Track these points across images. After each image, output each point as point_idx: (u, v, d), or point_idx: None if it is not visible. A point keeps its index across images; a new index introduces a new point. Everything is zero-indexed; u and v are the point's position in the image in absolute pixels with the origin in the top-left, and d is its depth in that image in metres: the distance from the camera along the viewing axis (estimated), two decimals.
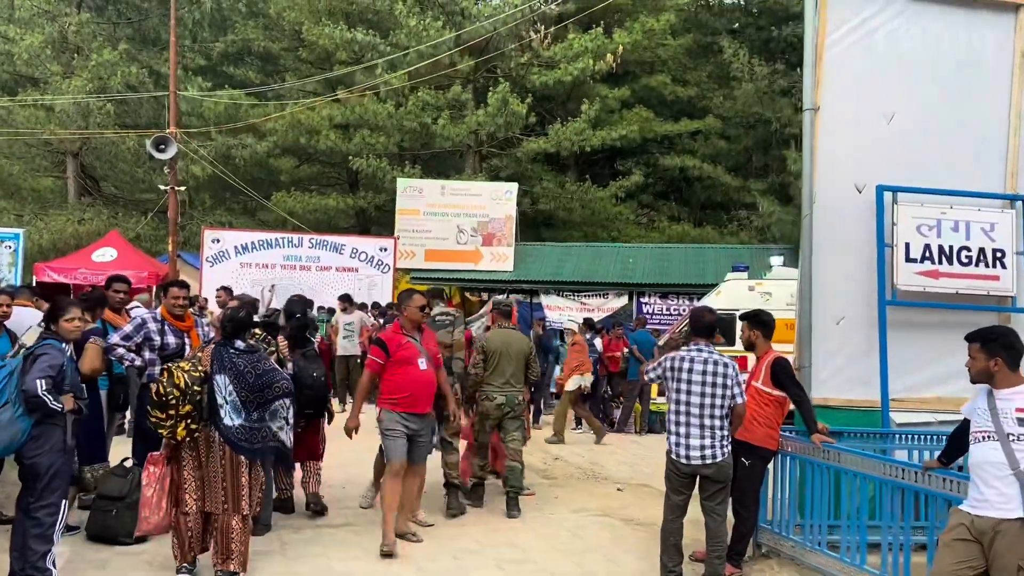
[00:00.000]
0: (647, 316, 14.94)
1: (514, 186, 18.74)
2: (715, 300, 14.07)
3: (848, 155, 5.90)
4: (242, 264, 17.20)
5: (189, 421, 4.53)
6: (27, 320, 5.41)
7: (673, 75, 24.20)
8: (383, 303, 15.92)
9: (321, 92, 22.68)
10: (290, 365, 6.01)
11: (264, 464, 5.06)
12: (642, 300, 17.00)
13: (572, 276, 17.54)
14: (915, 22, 5.91)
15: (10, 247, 15.68)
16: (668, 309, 16.89)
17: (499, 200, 18.47)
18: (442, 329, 6.38)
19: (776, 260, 15.93)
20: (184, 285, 6.16)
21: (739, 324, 6.85)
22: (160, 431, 4.54)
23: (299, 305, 6.53)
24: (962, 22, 5.88)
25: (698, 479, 4.81)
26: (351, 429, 5.40)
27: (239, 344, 4.73)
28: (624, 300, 17.19)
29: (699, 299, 16.82)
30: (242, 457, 4.69)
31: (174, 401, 4.45)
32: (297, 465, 6.23)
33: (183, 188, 17.15)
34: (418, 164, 20.99)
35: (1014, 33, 5.83)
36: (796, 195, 19.17)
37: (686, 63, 25.42)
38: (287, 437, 4.91)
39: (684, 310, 16.91)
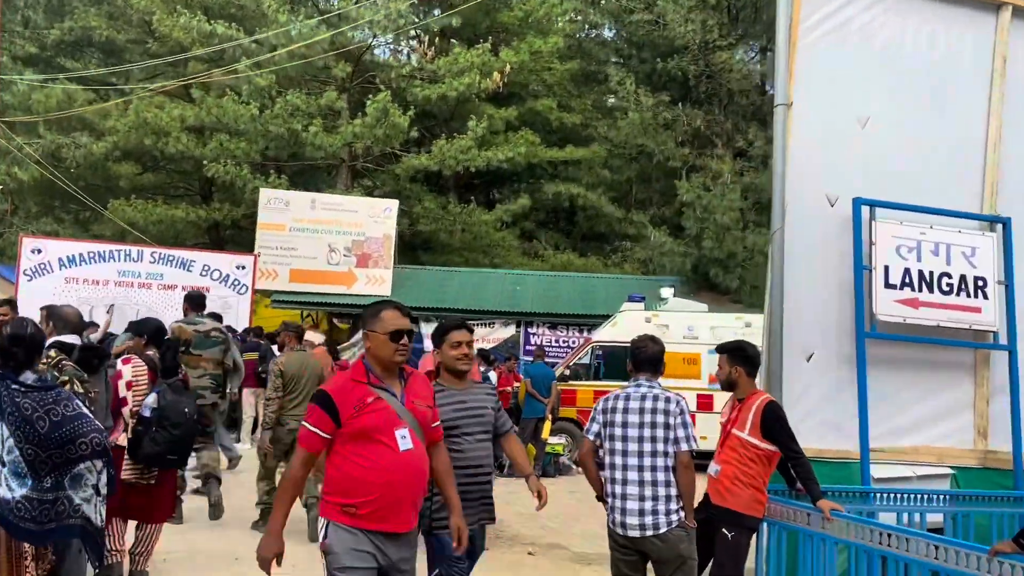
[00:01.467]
0: (537, 347, 14.00)
1: (394, 203, 17.42)
2: (611, 331, 13.35)
3: (820, 161, 5.14)
4: (67, 279, 14.80)
5: None
6: None
7: (559, 100, 23.78)
8: (239, 328, 14.07)
9: (172, 91, 20.45)
10: (150, 397, 4.81)
11: (61, 551, 3.51)
12: (530, 330, 16.07)
13: (455, 303, 16.37)
14: (891, 16, 5.26)
15: None
16: (558, 340, 16.05)
17: (377, 218, 17.06)
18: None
19: (667, 291, 15.52)
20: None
21: (715, 358, 5.90)
22: None
23: (158, 324, 5.12)
24: (940, 19, 5.30)
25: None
26: (268, 560, 3.09)
27: (26, 377, 3.21)
28: (512, 330, 16.19)
29: (590, 330, 16.09)
30: (26, 545, 3.17)
31: None
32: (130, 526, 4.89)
33: None
34: (284, 175, 19.19)
35: (994, 35, 5.30)
36: (689, 225, 19.12)
37: (571, 90, 25.14)
38: (96, 512, 3.39)
39: (575, 341, 16.13)
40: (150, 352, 5.21)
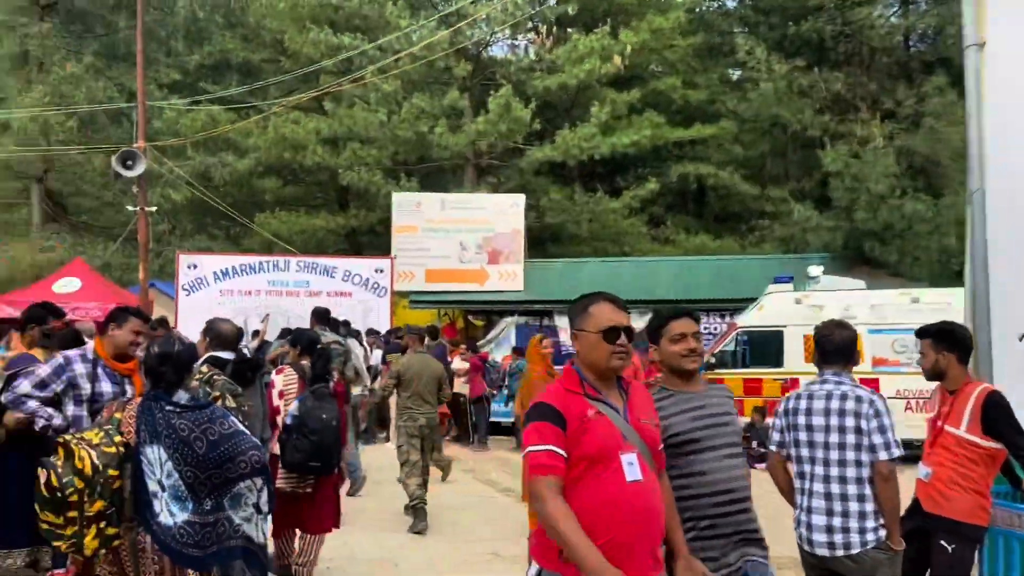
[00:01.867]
0: None
1: (521, 197, 17.22)
2: (758, 316, 12.54)
3: None
4: (222, 291, 15.56)
5: (103, 524, 2.90)
6: None
7: (683, 78, 22.82)
8: (381, 331, 14.30)
9: (306, 105, 21.20)
10: (293, 405, 4.81)
11: (224, 574, 3.42)
12: None
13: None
14: None
15: None
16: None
17: (505, 213, 16.92)
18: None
19: (815, 270, 14.42)
20: (143, 316, 4.44)
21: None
22: (57, 544, 2.89)
23: (313, 335, 5.11)
24: None
25: None
26: None
27: (179, 397, 3.11)
28: (647, 319, 15.58)
29: (732, 315, 15.28)
30: (190, 571, 3.07)
31: (75, 497, 2.81)
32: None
33: (154, 209, 15.53)
34: (414, 178, 19.45)
35: None
36: (838, 197, 17.78)
37: (695, 66, 24.07)
38: (257, 530, 3.26)
39: (716, 328, 15.35)
40: (304, 362, 5.22)
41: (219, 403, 3.58)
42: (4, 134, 18.24)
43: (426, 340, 9.51)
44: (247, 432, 3.32)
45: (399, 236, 17.00)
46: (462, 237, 16.88)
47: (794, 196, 20.76)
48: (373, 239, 22.41)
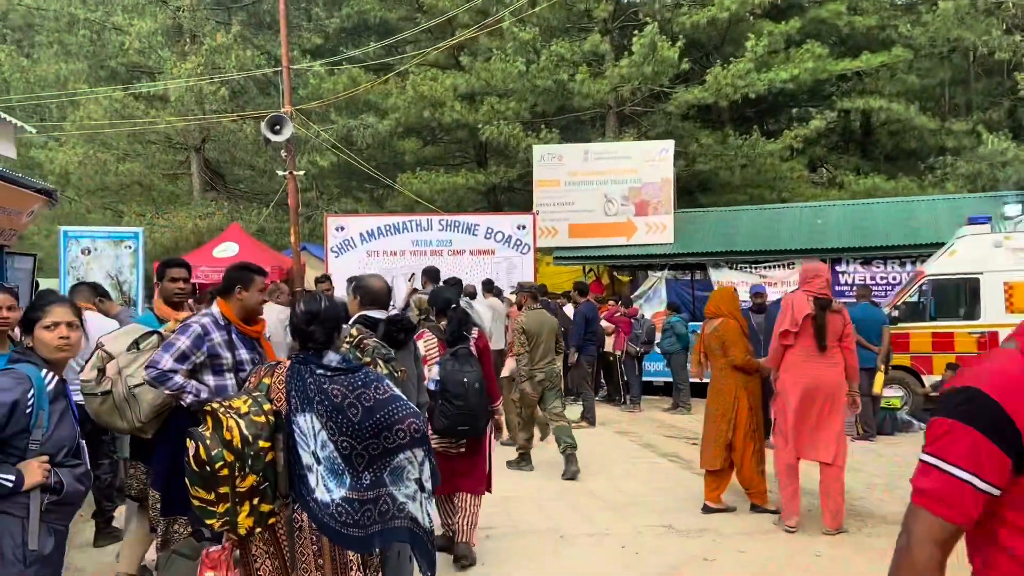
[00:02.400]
0: (860, 285, 12.11)
1: (670, 143, 16.23)
2: (949, 261, 11.14)
3: None
4: (369, 253, 15.75)
5: (256, 501, 2.61)
6: (96, 330, 4.06)
7: (848, 3, 20.70)
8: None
9: (443, 62, 21.03)
10: (435, 370, 4.71)
11: (385, 558, 3.09)
12: (838, 268, 14.11)
13: (747, 244, 14.88)
14: None
15: (130, 247, 14.92)
16: (874, 277, 13.93)
17: (653, 161, 16.03)
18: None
19: (1013, 208, 12.74)
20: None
21: None
22: (210, 521, 2.63)
23: (455, 290, 4.85)
24: None
25: None
26: None
27: (330, 360, 2.76)
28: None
29: (913, 263, 13.77)
30: (350, 552, 2.76)
31: (225, 472, 2.52)
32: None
33: (301, 172, 15.87)
34: (554, 130, 18.85)
35: None
36: None
37: None
38: (422, 512, 2.88)
39: (895, 278, 13.91)
40: (441, 324, 4.94)
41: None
42: (164, 108, 19.26)
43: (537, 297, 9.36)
44: (404, 397, 2.95)
45: (541, 191, 16.53)
46: (607, 189, 16.17)
47: (981, 128, 18.46)
48: (513, 196, 22.14)
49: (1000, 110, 19.62)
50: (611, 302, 13.74)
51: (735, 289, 6.98)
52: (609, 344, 12.77)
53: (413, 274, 15.06)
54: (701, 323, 7.34)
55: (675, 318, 12.20)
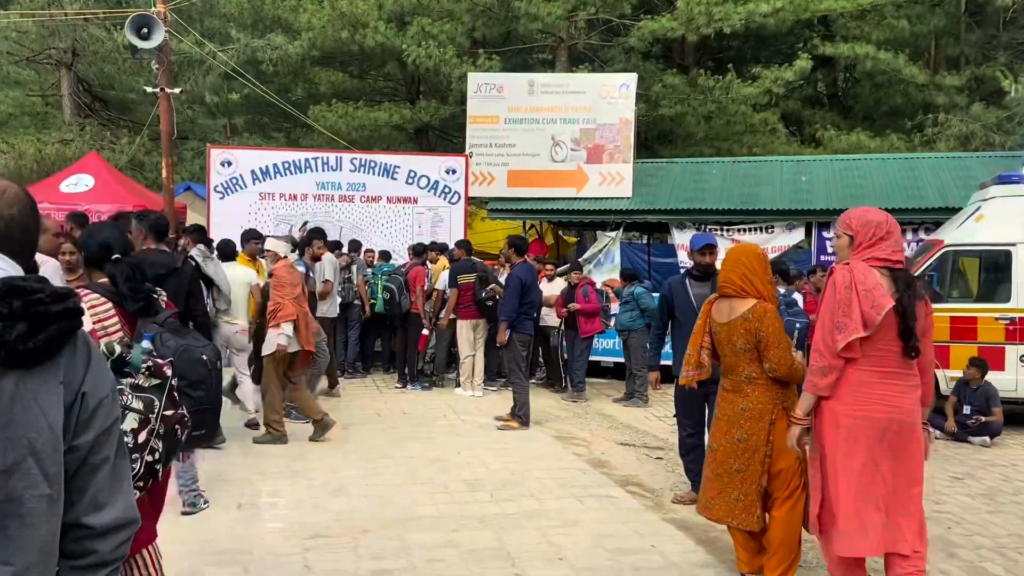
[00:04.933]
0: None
1: (632, 77, 13.93)
2: (975, 228, 9.14)
3: None
4: (262, 195, 13.11)
5: None
6: None
7: None
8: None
9: None
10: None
11: None
12: (825, 234, 12.10)
13: (718, 202, 12.75)
14: None
15: None
16: None
17: (611, 99, 13.70)
18: None
19: None
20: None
21: None
22: None
23: (115, 230, 2.50)
24: None
25: None
26: None
27: None
28: (798, 235, 12.33)
29: (917, 231, 11.86)
30: None
31: None
32: None
33: (178, 91, 12.99)
34: (494, 58, 16.26)
35: None
36: None
37: None
38: None
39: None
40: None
41: None
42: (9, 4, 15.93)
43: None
44: None
45: (476, 128, 14.04)
46: (555, 129, 13.79)
47: (1001, 75, 16.57)
48: (446, 139, 19.56)
49: (997, 65, 17.83)
50: (549, 265, 11.44)
51: (763, 251, 4.53)
52: (551, 318, 10.51)
53: (306, 222, 12.60)
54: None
55: (639, 288, 9.98)
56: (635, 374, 10.12)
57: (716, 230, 12.69)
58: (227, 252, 7.95)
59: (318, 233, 8.69)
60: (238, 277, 7.54)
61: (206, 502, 5.21)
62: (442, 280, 10.08)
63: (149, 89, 12.66)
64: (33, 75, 18.77)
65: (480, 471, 6.35)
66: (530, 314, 8.32)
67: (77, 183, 12.31)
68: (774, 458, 3.90)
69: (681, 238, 12.86)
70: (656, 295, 10.49)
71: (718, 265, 4.85)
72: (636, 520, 5.23)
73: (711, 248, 5.55)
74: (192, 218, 14.63)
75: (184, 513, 5.03)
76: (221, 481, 5.84)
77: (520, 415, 8.19)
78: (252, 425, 7.59)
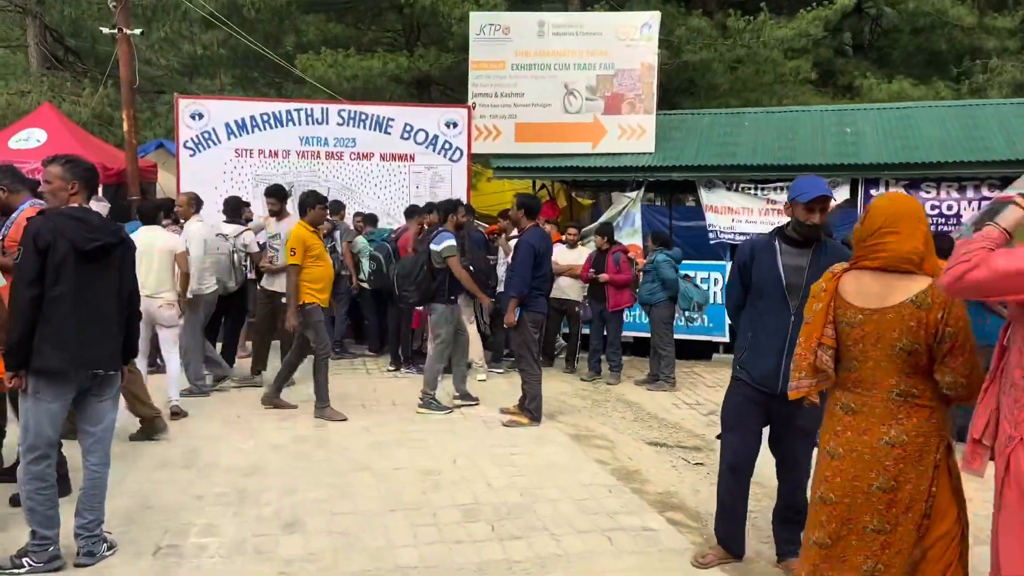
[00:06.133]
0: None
1: (655, 16, 12.35)
2: None
3: None
4: (238, 151, 11.69)
5: None
6: None
7: None
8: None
9: None
10: None
11: None
12: (873, 192, 10.66)
13: (752, 157, 11.30)
14: None
15: None
16: (924, 205, 10.52)
17: (631, 41, 12.16)
18: None
19: None
20: None
21: None
22: None
23: None
24: None
25: None
26: None
27: None
28: (844, 192, 10.86)
29: (979, 187, 10.42)
30: None
31: None
32: None
33: (138, 32, 11.51)
34: None
35: None
36: None
37: None
38: None
39: (952, 207, 10.54)
40: None
41: None
42: None
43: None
44: None
45: (479, 75, 12.54)
46: (568, 76, 12.28)
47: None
48: (450, 96, 18.02)
49: None
50: (571, 229, 10.10)
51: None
52: (574, 290, 9.19)
53: (292, 184, 11.26)
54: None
55: (661, 255, 8.60)
56: (660, 353, 8.83)
57: (750, 188, 11.27)
58: (145, 214, 7.12)
59: (315, 198, 7.28)
60: (156, 243, 6.72)
61: (111, 547, 3.92)
62: None
63: (106, 31, 11.19)
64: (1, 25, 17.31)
65: (480, 489, 5.05)
66: (543, 289, 6.96)
67: (28, 138, 10.95)
68: (933, 518, 2.57)
69: (709, 198, 11.43)
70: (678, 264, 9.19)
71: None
72: (685, 571, 3.92)
73: (824, 202, 3.66)
74: (164, 178, 13.27)
75: (77, 565, 3.75)
76: (145, 509, 4.55)
77: (530, 409, 6.88)
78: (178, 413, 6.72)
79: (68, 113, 13.34)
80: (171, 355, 6.83)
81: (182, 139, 11.45)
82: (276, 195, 8.28)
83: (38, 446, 3.65)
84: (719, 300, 10.53)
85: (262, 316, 8.22)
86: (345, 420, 6.72)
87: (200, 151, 11.58)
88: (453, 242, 7.01)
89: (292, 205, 11.04)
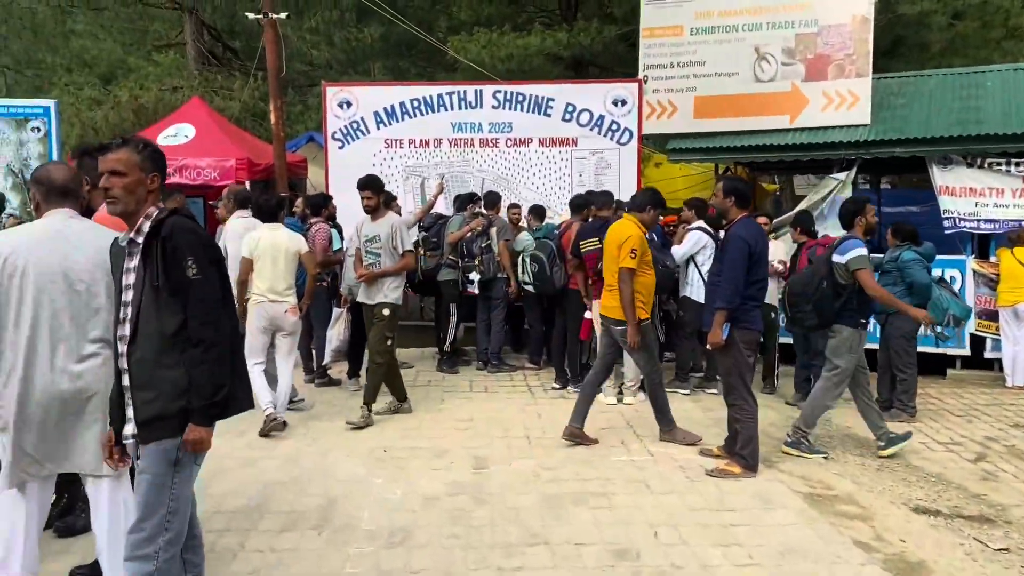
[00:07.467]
0: None
1: None
2: None
3: None
4: (387, 142, 10.85)
5: None
6: None
7: None
8: (624, 196, 8.92)
9: None
10: None
11: None
12: None
13: (1004, 126, 9.13)
14: None
15: (38, 129, 10.57)
16: None
17: None
18: None
19: None
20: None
21: None
22: None
23: None
24: None
25: None
26: None
27: None
28: None
29: None
30: None
31: None
32: None
33: (284, 15, 10.89)
34: None
35: None
36: None
37: None
38: None
39: None
40: None
41: None
42: None
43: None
44: None
45: (652, 44, 11.06)
46: (760, 38, 10.57)
47: None
48: (613, 67, 16.55)
49: None
50: (763, 217, 8.45)
51: None
52: (771, 291, 7.59)
53: (443, 176, 10.31)
54: None
55: (908, 252, 6.82)
56: (897, 376, 7.07)
57: (1000, 164, 9.13)
58: (266, 210, 6.46)
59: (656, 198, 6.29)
60: (280, 243, 6.22)
61: None
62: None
63: (251, 16, 10.67)
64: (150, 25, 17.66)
65: None
66: (758, 299, 5.44)
67: (176, 134, 10.62)
68: None
69: (944, 178, 9.37)
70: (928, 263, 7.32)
71: None
72: None
73: None
74: (313, 174, 12.74)
75: None
76: None
77: (743, 455, 5.40)
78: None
79: (220, 108, 13.13)
80: (286, 365, 6.30)
81: (330, 130, 10.77)
82: (371, 187, 6.55)
83: (183, 534, 2.70)
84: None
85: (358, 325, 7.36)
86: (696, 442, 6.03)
87: (349, 143, 10.85)
88: (864, 251, 5.58)
89: (446, 202, 10.18)
